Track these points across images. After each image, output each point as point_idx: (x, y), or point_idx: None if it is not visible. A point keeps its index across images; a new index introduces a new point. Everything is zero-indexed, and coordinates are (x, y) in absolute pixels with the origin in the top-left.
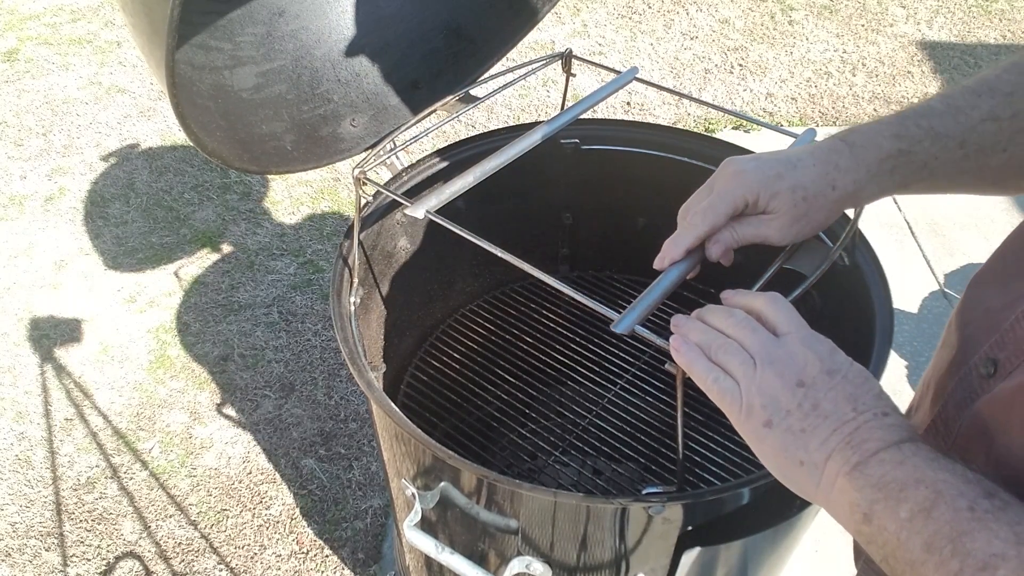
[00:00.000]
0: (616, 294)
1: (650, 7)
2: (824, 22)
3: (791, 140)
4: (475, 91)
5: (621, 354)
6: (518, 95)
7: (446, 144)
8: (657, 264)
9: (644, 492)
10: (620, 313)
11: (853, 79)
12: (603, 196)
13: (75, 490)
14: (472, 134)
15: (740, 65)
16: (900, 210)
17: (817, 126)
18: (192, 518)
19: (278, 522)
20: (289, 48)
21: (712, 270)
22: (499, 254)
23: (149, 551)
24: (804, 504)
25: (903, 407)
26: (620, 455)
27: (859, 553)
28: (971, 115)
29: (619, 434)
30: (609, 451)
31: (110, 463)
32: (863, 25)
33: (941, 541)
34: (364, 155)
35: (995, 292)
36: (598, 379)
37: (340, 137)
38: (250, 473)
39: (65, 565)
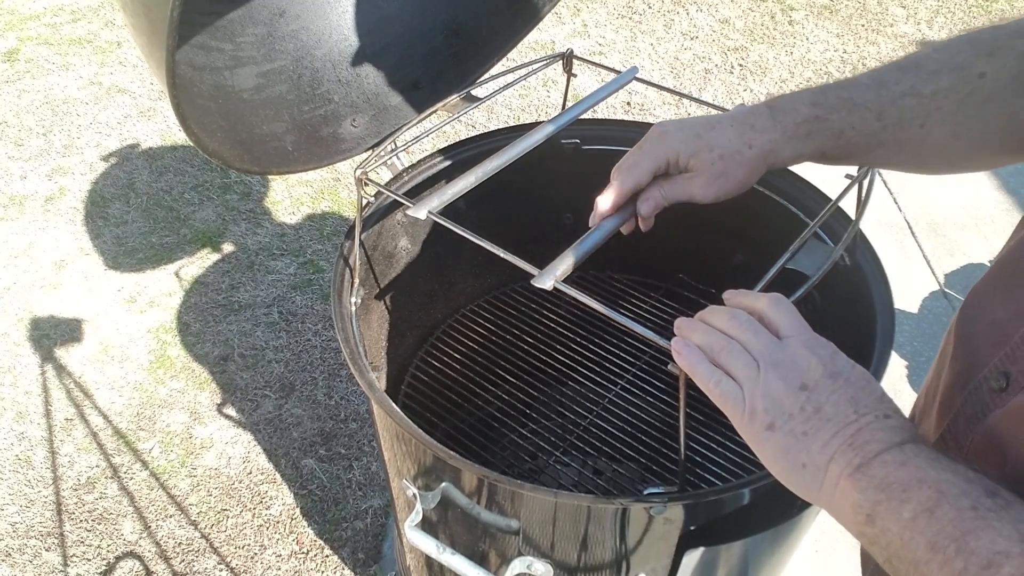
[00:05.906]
0: (616, 294)
1: (650, 7)
2: (824, 22)
3: None
4: (476, 91)
5: (622, 354)
6: (519, 95)
7: (447, 144)
8: (591, 221)
9: (645, 492)
10: (620, 313)
11: None
12: None
13: (75, 490)
14: (473, 134)
15: (740, 65)
16: (900, 210)
17: None
18: (192, 518)
19: (278, 522)
20: (290, 48)
21: (714, 270)
22: (500, 254)
23: (149, 551)
24: (805, 505)
25: (904, 407)
26: (621, 455)
27: (867, 561)
28: (893, 89)
29: (620, 434)
30: (610, 451)
31: (110, 463)
32: (863, 25)
33: (945, 540)
34: (365, 155)
35: (1000, 303)
36: (599, 379)
37: (341, 137)
38: (250, 473)
39: (65, 565)
